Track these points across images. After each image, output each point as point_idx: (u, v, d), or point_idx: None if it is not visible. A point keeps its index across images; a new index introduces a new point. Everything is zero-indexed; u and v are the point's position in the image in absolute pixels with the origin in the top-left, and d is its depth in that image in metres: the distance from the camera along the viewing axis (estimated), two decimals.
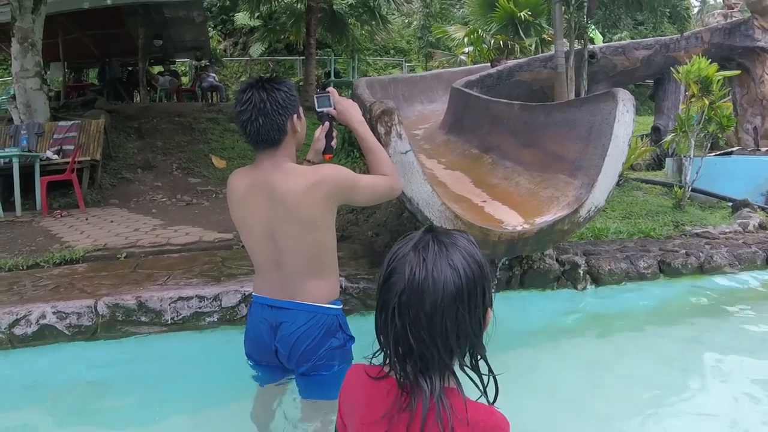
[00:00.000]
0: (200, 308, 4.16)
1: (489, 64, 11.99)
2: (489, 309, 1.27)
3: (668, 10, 9.68)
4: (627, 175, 9.83)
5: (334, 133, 2.49)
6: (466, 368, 1.29)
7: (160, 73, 16.44)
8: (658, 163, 12.37)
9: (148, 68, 15.84)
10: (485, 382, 1.31)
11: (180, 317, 4.12)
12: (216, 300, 4.19)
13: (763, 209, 8.60)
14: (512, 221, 4.38)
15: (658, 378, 3.86)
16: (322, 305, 2.28)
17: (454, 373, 1.25)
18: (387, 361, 1.28)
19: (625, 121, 4.50)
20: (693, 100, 8.19)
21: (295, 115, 2.28)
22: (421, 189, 3.74)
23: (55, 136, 10.05)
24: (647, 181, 9.98)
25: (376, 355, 1.32)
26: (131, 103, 15.34)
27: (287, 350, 2.28)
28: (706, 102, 8.05)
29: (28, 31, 9.94)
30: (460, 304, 1.17)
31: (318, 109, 2.46)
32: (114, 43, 15.61)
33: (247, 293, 4.19)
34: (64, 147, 9.95)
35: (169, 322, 4.10)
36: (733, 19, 13.22)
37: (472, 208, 4.78)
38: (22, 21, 9.86)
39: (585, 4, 9.50)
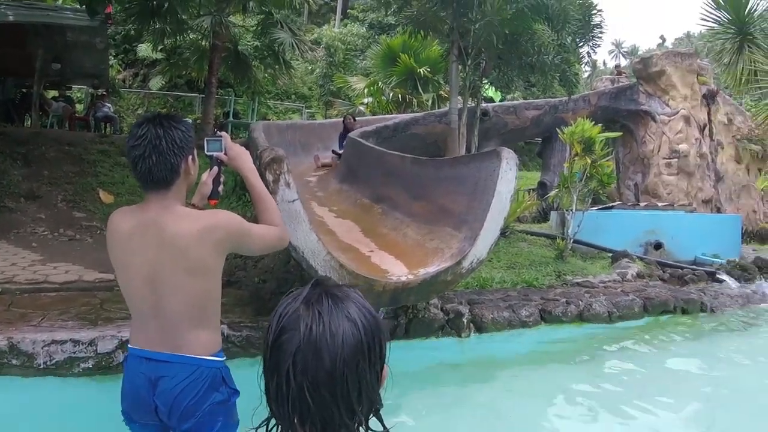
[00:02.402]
0: (74, 353, 3.98)
1: (342, 120, 12.60)
2: (385, 365, 1.19)
3: (558, 74, 10.42)
4: (513, 227, 10.34)
5: (222, 179, 2.41)
6: (362, 429, 1.19)
7: (54, 98, 15.71)
8: (543, 216, 13.10)
9: (43, 92, 15.10)
10: None
11: (53, 361, 3.93)
12: (91, 345, 4.03)
13: (641, 259, 9.31)
14: (397, 272, 4.53)
15: (539, 417, 4.09)
16: (204, 358, 2.16)
17: None
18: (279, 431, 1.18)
19: (508, 178, 4.80)
20: (576, 158, 8.80)
21: (190, 157, 2.18)
22: (307, 238, 3.81)
23: None
24: (532, 233, 10.54)
25: (263, 424, 1.22)
26: (21, 127, 14.53)
27: (168, 407, 2.13)
28: (588, 161, 8.67)
29: None
30: (361, 357, 1.09)
31: (208, 153, 2.38)
32: (11, 61, 14.73)
33: (124, 339, 4.04)
34: None
35: (42, 366, 3.90)
36: (620, 84, 14.45)
37: (359, 258, 4.90)
38: None
39: (481, 64, 10.06)
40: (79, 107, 18.60)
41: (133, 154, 2.09)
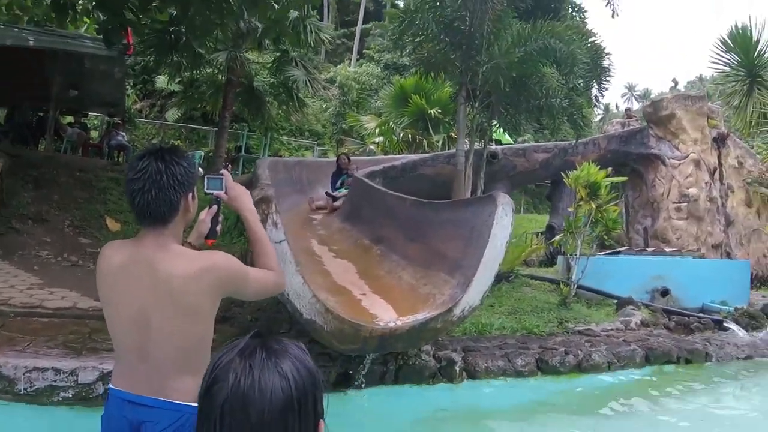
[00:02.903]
0: (55, 381, 3.97)
1: (336, 159, 12.06)
2: (321, 421, 1.16)
3: (566, 117, 10.45)
4: (518, 271, 10.23)
5: (221, 218, 2.34)
6: None
7: (69, 124, 15.97)
8: (551, 260, 12.96)
9: (59, 117, 15.36)
10: None
11: (33, 388, 3.92)
12: (72, 375, 4.01)
13: (646, 306, 9.13)
14: (386, 317, 4.46)
15: None
16: (190, 404, 2.01)
17: None
18: None
19: (504, 224, 4.76)
20: (581, 203, 8.71)
21: (190, 194, 2.11)
22: (292, 280, 3.77)
23: None
24: (536, 278, 10.41)
25: None
26: (35, 151, 14.75)
27: None
28: (593, 205, 8.57)
29: None
30: (290, 414, 1.06)
31: (207, 191, 2.31)
32: (29, 86, 15.05)
33: (105, 371, 4.02)
34: None
35: (22, 392, 3.89)
36: (631, 127, 14.42)
37: (349, 301, 4.84)
38: None
39: (489, 106, 10.11)
40: (93, 134, 18.89)
41: (132, 187, 2.03)
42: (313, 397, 1.12)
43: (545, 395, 5.76)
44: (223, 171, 2.38)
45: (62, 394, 3.96)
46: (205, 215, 2.30)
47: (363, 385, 4.90)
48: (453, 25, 9.04)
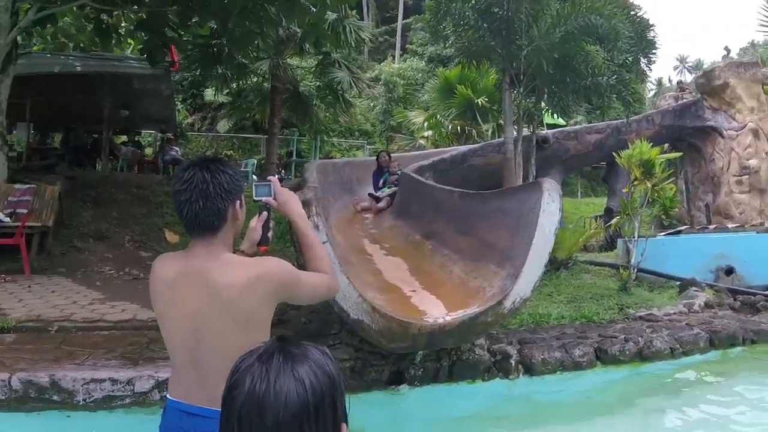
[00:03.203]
0: (113, 391, 4.09)
1: (376, 157, 11.52)
2: (343, 424, 1.15)
3: (615, 95, 10.09)
4: (576, 257, 9.94)
5: (271, 224, 2.32)
6: None
7: (123, 143, 16.52)
8: (611, 244, 12.55)
9: (112, 138, 15.90)
10: None
11: (92, 399, 4.04)
12: (129, 384, 4.12)
13: (711, 287, 8.72)
14: (435, 313, 4.37)
15: None
16: None
17: None
18: None
19: (551, 211, 4.60)
20: (636, 183, 8.38)
21: (238, 202, 2.09)
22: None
23: (9, 199, 9.87)
24: (595, 263, 10.10)
25: None
26: (92, 171, 15.31)
27: None
28: (649, 185, 8.23)
29: None
30: (305, 419, 1.06)
31: (256, 198, 2.29)
32: (81, 109, 15.65)
33: (161, 379, 4.11)
34: (17, 210, 9.76)
35: (81, 403, 4.01)
36: (684, 100, 13.84)
37: (399, 299, 4.78)
38: None
39: (535, 90, 9.87)
40: (148, 151, 19.48)
41: (179, 198, 2.03)
42: (331, 401, 1.11)
43: (604, 388, 5.53)
44: (271, 177, 2.37)
45: (119, 403, 4.09)
46: (256, 223, 2.28)
47: (416, 383, 4.83)
48: (490, 10, 8.87)
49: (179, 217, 2.08)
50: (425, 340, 4.17)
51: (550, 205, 4.56)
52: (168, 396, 2.12)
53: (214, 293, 1.95)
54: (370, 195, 10.27)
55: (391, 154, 11.64)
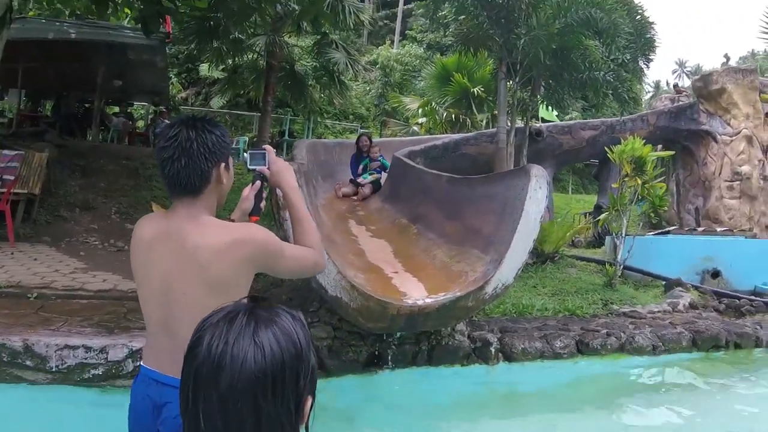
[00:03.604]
0: (86, 359, 4.03)
1: (356, 141, 10.83)
2: (308, 397, 1.06)
3: (611, 91, 10.05)
4: (563, 251, 9.95)
5: (264, 194, 2.25)
6: None
7: (114, 114, 16.39)
8: (599, 241, 12.57)
9: (104, 108, 15.74)
10: None
11: (65, 366, 3.99)
12: (102, 352, 4.06)
13: (696, 288, 8.75)
14: (415, 294, 4.34)
15: None
16: None
17: None
18: None
19: (537, 198, 4.56)
20: (626, 179, 8.36)
21: (223, 164, 1.99)
22: None
23: None
24: (582, 258, 10.11)
25: None
26: (82, 141, 15.16)
27: None
28: (639, 181, 8.21)
29: None
30: (260, 388, 0.98)
31: (250, 167, 2.22)
32: (74, 77, 15.48)
33: (135, 348, 4.06)
34: (4, 177, 9.64)
35: (53, 369, 3.97)
36: (680, 102, 13.83)
37: (380, 279, 4.74)
38: None
39: (531, 82, 9.82)
40: (140, 124, 19.33)
41: (162, 155, 1.94)
42: (294, 373, 1.02)
43: (584, 377, 5.55)
44: (266, 146, 2.28)
45: (92, 372, 4.03)
46: (249, 191, 2.21)
47: (394, 365, 4.81)
48: None
49: (161, 175, 1.99)
50: (404, 321, 4.14)
51: (537, 192, 4.52)
52: (141, 363, 2.06)
53: (190, 255, 1.88)
54: (351, 181, 9.75)
55: (372, 139, 11.08)
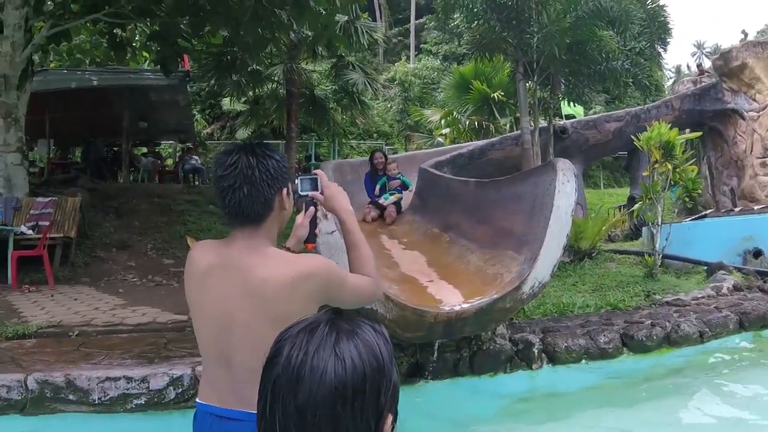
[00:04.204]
0: (127, 389, 4.07)
1: (369, 158, 9.75)
2: (388, 414, 1.02)
3: (631, 80, 9.91)
4: (600, 246, 9.76)
5: (319, 221, 2.21)
6: None
7: (143, 155, 16.76)
8: (636, 233, 12.36)
9: (132, 149, 16.12)
10: None
11: (107, 397, 4.04)
12: (144, 382, 4.10)
13: (738, 270, 8.49)
14: (452, 301, 4.28)
15: None
16: None
17: None
18: None
19: (566, 192, 4.48)
20: (656, 165, 8.18)
21: (285, 190, 1.93)
22: None
23: (32, 212, 10.08)
24: (620, 252, 9.92)
25: None
26: (113, 183, 15.53)
27: None
28: (670, 167, 8.03)
29: (11, 107, 10.06)
30: (340, 401, 0.95)
31: (302, 192, 2.13)
32: (100, 123, 15.93)
33: (175, 376, 4.09)
34: (40, 223, 9.95)
35: (96, 402, 4.02)
36: (703, 84, 13.58)
37: (415, 289, 4.70)
38: (7, 96, 10.01)
39: (550, 79, 9.74)
40: (168, 161, 19.71)
41: (221, 184, 1.87)
42: (376, 386, 0.99)
43: (631, 376, 5.34)
44: (317, 170, 2.21)
45: (135, 402, 4.07)
46: (303, 218, 2.13)
47: (437, 376, 4.75)
48: (499, 0, 8.78)
49: (220, 205, 1.93)
50: (441, 329, 4.09)
51: (565, 186, 4.44)
52: (198, 400, 1.96)
53: (254, 289, 1.81)
54: (371, 203, 8.73)
55: (388, 156, 9.99)
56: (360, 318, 1.08)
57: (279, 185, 1.90)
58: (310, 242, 2.14)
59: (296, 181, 2.14)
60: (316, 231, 2.14)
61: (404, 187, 8.75)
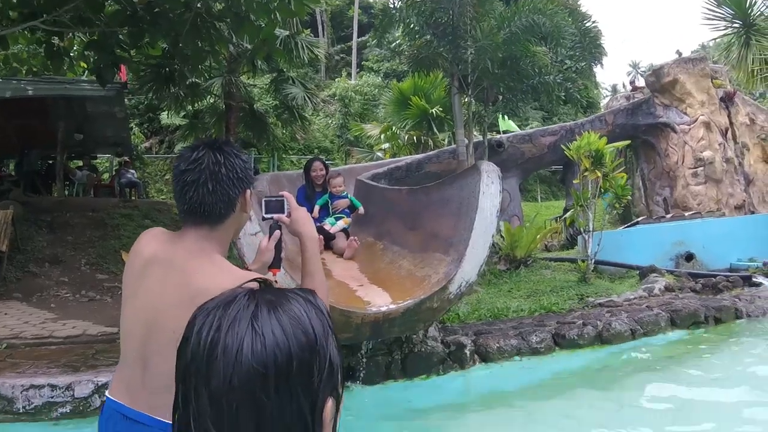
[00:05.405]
0: (52, 397, 4.00)
1: (305, 167, 7.47)
2: (327, 398, 0.84)
3: (563, 94, 10.27)
4: (535, 255, 10.05)
5: (284, 245, 2.07)
6: None
7: (78, 168, 16.30)
8: (572, 242, 12.74)
9: (66, 162, 15.67)
10: None
11: (32, 406, 3.96)
12: (68, 389, 4.03)
13: (671, 272, 8.86)
14: (380, 302, 4.34)
15: None
16: None
17: None
18: None
19: (491, 193, 4.63)
20: (587, 173, 8.51)
21: (248, 191, 1.84)
22: None
23: None
24: (555, 259, 10.24)
25: None
26: (47, 196, 15.04)
27: None
28: (599, 174, 8.37)
29: None
30: (260, 385, 0.78)
31: (267, 215, 2.03)
32: (35, 134, 15.38)
33: (101, 383, 4.02)
34: None
35: (21, 410, 3.94)
36: (635, 99, 14.21)
37: (344, 293, 4.72)
38: None
39: (484, 93, 10.00)
40: (105, 175, 19.24)
41: (183, 179, 1.77)
42: (306, 367, 0.81)
43: (563, 372, 5.51)
44: (284, 192, 2.13)
45: (60, 410, 4.00)
46: (269, 242, 2.04)
47: (366, 380, 4.78)
48: (434, 16, 9.00)
49: (180, 200, 1.82)
50: (369, 330, 4.14)
51: (490, 187, 4.60)
52: (108, 395, 1.85)
53: (190, 296, 1.65)
54: (319, 231, 5.69)
55: (330, 168, 7.61)
56: (294, 289, 0.93)
57: (243, 186, 1.83)
58: (275, 267, 2.03)
59: (261, 203, 2.06)
60: (282, 255, 2.05)
61: (352, 209, 6.87)
